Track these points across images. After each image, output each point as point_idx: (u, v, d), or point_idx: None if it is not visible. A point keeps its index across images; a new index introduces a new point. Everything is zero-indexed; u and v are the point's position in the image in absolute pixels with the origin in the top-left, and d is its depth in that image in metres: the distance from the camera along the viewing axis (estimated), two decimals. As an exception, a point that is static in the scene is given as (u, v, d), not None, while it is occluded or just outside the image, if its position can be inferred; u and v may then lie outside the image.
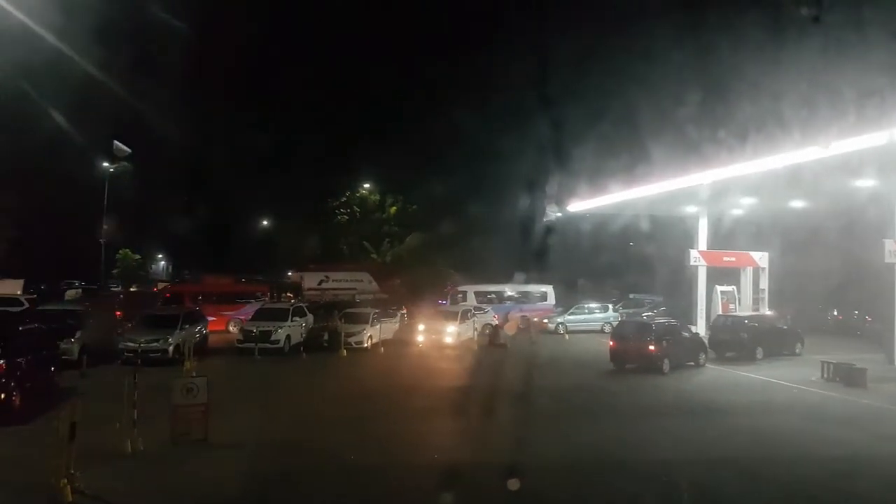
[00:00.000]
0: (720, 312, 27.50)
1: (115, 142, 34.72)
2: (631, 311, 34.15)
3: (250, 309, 28.06)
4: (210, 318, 25.44)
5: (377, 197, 49.56)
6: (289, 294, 38.11)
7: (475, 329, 27.31)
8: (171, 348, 20.46)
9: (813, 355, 21.27)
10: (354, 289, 36.58)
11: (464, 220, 41.27)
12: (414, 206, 47.84)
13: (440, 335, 25.84)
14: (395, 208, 48.81)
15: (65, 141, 30.11)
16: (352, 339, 24.18)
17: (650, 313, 32.06)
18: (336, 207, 49.04)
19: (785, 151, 18.62)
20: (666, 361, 20.08)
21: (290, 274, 45.60)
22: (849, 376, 18.01)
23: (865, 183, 22.06)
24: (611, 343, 21.44)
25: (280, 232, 52.53)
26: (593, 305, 33.95)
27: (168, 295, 33.09)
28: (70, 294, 34.77)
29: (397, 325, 28.33)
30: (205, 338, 23.85)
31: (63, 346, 17.75)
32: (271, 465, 10.64)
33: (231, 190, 48.56)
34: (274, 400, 15.71)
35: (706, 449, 11.85)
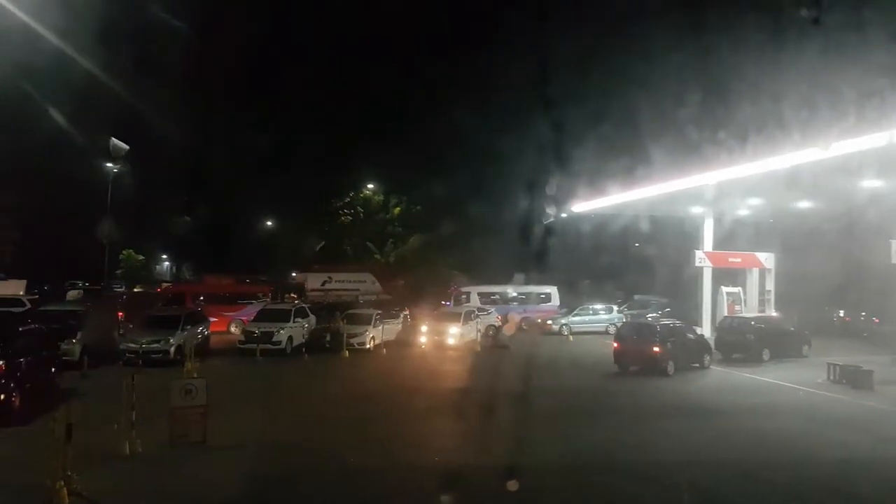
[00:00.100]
0: (726, 314, 27.32)
1: (113, 139, 34.56)
2: (635, 312, 33.94)
3: (252, 310, 28.04)
4: (211, 319, 25.40)
5: (381, 197, 49.52)
6: (292, 295, 38.07)
7: (478, 330, 27.22)
8: (172, 349, 20.42)
9: (820, 357, 21.09)
10: (357, 290, 36.52)
11: (467, 221, 41.18)
12: (418, 207, 47.79)
13: (443, 336, 25.78)
14: (398, 209, 48.76)
15: (67, 141, 30.20)
16: (354, 341, 24.11)
17: (655, 315, 31.87)
18: (340, 208, 49.02)
19: (789, 152, 18.52)
20: (670, 363, 19.94)
21: (294, 275, 45.60)
22: (855, 378, 17.86)
23: (872, 183, 21.90)
24: (614, 345, 21.31)
25: (282, 232, 52.57)
26: (598, 307, 33.76)
27: (168, 295, 33.02)
28: (71, 295, 34.72)
29: (400, 326, 28.25)
30: (206, 339, 23.84)
31: (64, 346, 17.74)
32: (270, 466, 10.59)
33: (233, 190, 48.64)
34: (274, 401, 15.66)
35: (707, 451, 11.77)
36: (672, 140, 20.82)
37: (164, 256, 63.97)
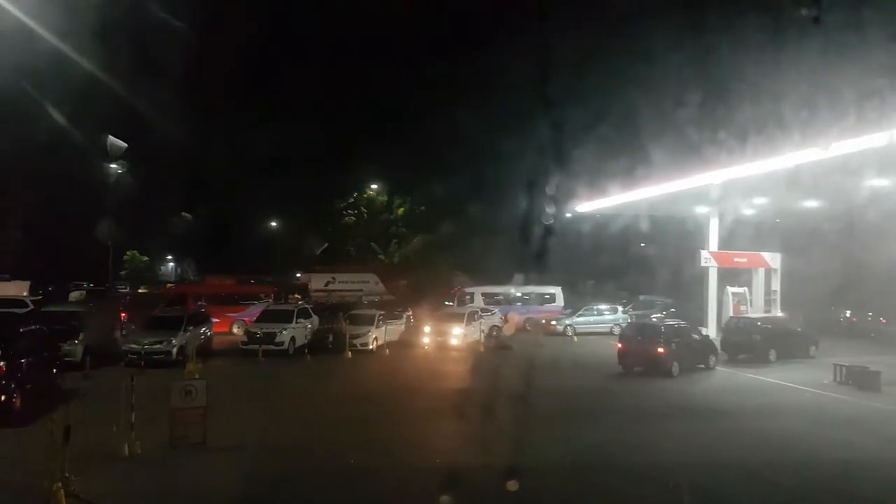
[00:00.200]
0: (731, 314, 27.16)
1: (110, 138, 34.28)
2: (640, 312, 33.77)
3: (254, 310, 28.02)
4: (214, 320, 25.39)
5: (385, 198, 49.51)
6: (297, 295, 38.09)
7: (482, 331, 27.12)
8: (174, 350, 20.40)
9: (827, 358, 20.90)
10: (361, 290, 36.51)
11: (470, 221, 41.09)
12: (422, 208, 47.74)
13: (446, 337, 25.69)
14: (402, 209, 48.73)
15: (71, 142, 30.22)
16: (356, 341, 24.05)
17: (660, 315, 31.70)
18: (344, 208, 49.03)
19: (795, 150, 18.37)
20: (675, 364, 19.80)
21: (298, 275, 45.65)
22: (862, 379, 17.70)
23: (879, 182, 21.72)
24: (619, 345, 21.18)
25: (286, 233, 52.61)
26: (602, 307, 33.59)
27: (169, 297, 33.00)
28: (74, 296, 34.82)
29: (403, 326, 28.19)
30: (209, 339, 23.84)
31: (66, 347, 17.77)
32: (269, 468, 10.56)
33: (236, 191, 48.66)
34: (275, 402, 15.65)
35: (710, 451, 11.69)
36: (678, 139, 20.70)
37: (169, 257, 64.10)
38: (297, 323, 24.49)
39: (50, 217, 39.79)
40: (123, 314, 25.72)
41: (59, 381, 15.28)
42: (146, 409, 11.07)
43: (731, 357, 22.47)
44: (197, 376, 13.92)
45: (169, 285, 46.06)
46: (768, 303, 29.31)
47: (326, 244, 48.28)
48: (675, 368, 19.72)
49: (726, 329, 24.65)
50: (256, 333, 23.23)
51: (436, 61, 58.73)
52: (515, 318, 29.19)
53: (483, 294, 34.44)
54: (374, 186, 49.88)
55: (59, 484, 8.26)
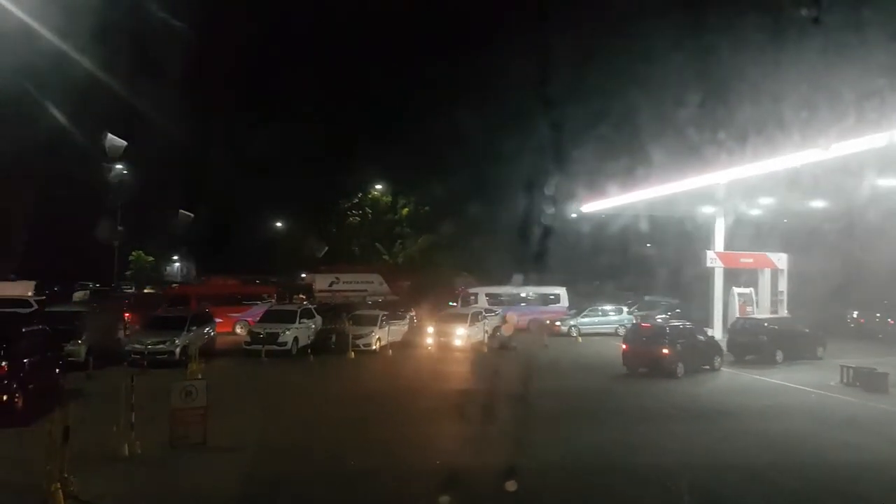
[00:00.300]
0: (737, 315, 26.98)
1: (109, 136, 34.08)
2: (645, 313, 33.59)
3: (257, 310, 28.00)
4: (217, 320, 25.39)
5: (389, 198, 49.49)
6: (301, 296, 38.11)
7: (485, 331, 27.03)
8: (177, 350, 20.42)
9: (835, 359, 20.74)
10: (365, 290, 36.45)
11: (474, 222, 40.99)
12: (426, 208, 47.67)
13: (449, 337, 25.62)
14: (406, 210, 48.69)
15: (76, 143, 30.32)
16: (360, 342, 24.01)
17: (665, 315, 31.53)
18: (348, 209, 49.03)
19: (800, 150, 18.25)
20: (680, 365, 19.66)
21: (303, 276, 45.69)
22: (869, 381, 17.51)
23: (885, 183, 21.56)
24: (623, 346, 21.06)
25: (290, 233, 52.64)
26: (607, 307, 33.41)
27: (171, 297, 33.01)
28: (77, 296, 34.92)
29: (406, 327, 28.13)
30: (212, 340, 23.85)
31: (69, 347, 17.78)
32: (269, 468, 10.53)
33: (241, 192, 48.73)
34: (277, 402, 15.59)
35: (714, 453, 11.61)
36: (679, 140, 20.60)
37: (175, 257, 64.29)
38: (300, 323, 24.46)
39: (55, 217, 39.95)
40: (127, 314, 25.78)
41: (62, 381, 15.28)
42: (146, 409, 11.06)
43: (737, 358, 22.30)
44: (199, 376, 13.91)
45: (175, 285, 46.17)
46: (775, 303, 29.12)
47: (328, 246, 48.26)
48: (680, 369, 19.59)
49: (732, 330, 24.47)
50: (259, 334, 23.22)
51: (436, 61, 58.79)
52: (514, 318, 28.99)
53: (487, 295, 34.31)
54: (378, 187, 49.87)
55: (58, 484, 8.25)
